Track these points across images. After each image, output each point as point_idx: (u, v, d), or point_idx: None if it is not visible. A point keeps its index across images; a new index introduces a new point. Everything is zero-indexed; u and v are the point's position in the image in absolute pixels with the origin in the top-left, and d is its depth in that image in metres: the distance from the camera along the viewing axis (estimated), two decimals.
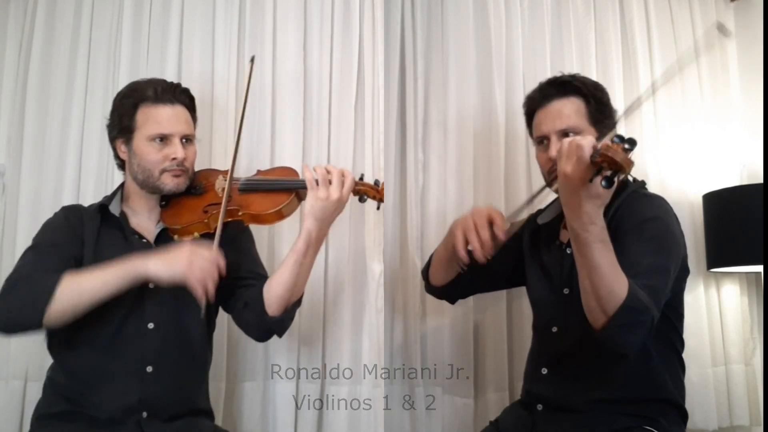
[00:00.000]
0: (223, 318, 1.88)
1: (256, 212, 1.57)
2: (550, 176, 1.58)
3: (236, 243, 1.65)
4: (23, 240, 1.97)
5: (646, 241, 1.41)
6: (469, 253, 1.54)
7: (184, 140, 1.59)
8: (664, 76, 1.54)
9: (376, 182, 1.61)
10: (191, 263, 1.38)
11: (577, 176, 1.20)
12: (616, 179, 1.15)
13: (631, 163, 1.14)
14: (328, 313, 2.02)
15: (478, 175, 2.16)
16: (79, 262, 1.50)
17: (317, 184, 1.51)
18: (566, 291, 1.56)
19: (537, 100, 1.64)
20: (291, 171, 1.67)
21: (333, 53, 2.11)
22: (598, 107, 1.59)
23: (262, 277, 1.61)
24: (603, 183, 1.16)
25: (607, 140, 1.17)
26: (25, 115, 2.06)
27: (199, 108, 2.00)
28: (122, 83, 2.02)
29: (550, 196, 1.67)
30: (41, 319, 1.37)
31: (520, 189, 2.15)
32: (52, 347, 1.56)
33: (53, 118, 2.06)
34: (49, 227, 1.59)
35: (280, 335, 1.61)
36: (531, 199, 1.60)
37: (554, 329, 1.58)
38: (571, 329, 1.51)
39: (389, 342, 2.08)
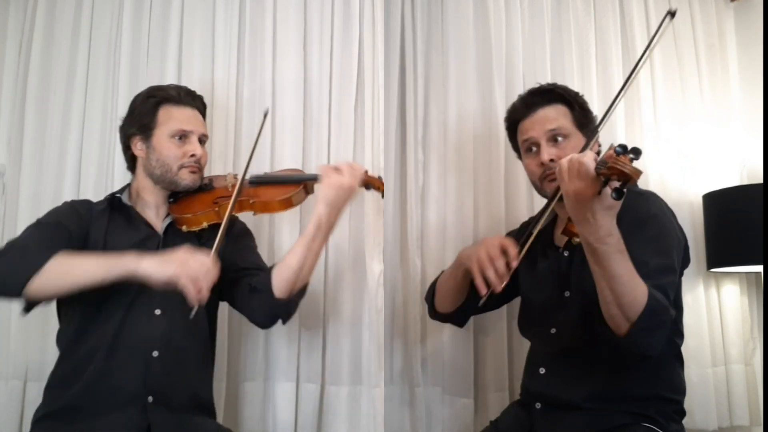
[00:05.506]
0: (223, 318, 1.88)
1: (267, 199, 1.65)
2: (542, 182, 1.59)
3: (239, 241, 1.72)
4: None
5: (649, 241, 1.41)
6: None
7: (200, 140, 1.68)
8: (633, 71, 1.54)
9: (380, 177, 1.76)
10: (184, 263, 1.40)
11: (584, 192, 1.21)
12: (625, 190, 1.15)
13: (639, 173, 1.14)
14: (328, 313, 2.02)
15: (478, 175, 2.16)
16: (82, 245, 1.54)
17: (331, 171, 1.61)
18: (567, 294, 1.57)
19: (521, 111, 1.65)
20: (298, 171, 1.79)
21: (333, 54, 2.11)
22: (582, 112, 1.61)
23: (265, 269, 1.66)
24: (613, 195, 1.15)
25: (609, 152, 1.16)
26: (25, 115, 2.07)
27: None
28: (122, 83, 2.04)
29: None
30: (22, 289, 1.38)
31: (520, 189, 2.15)
32: (60, 335, 1.59)
33: (53, 118, 2.06)
34: (55, 210, 1.63)
35: (284, 321, 1.64)
36: (538, 220, 1.56)
37: (553, 330, 1.58)
38: (570, 329, 1.53)
39: (389, 342, 2.08)
